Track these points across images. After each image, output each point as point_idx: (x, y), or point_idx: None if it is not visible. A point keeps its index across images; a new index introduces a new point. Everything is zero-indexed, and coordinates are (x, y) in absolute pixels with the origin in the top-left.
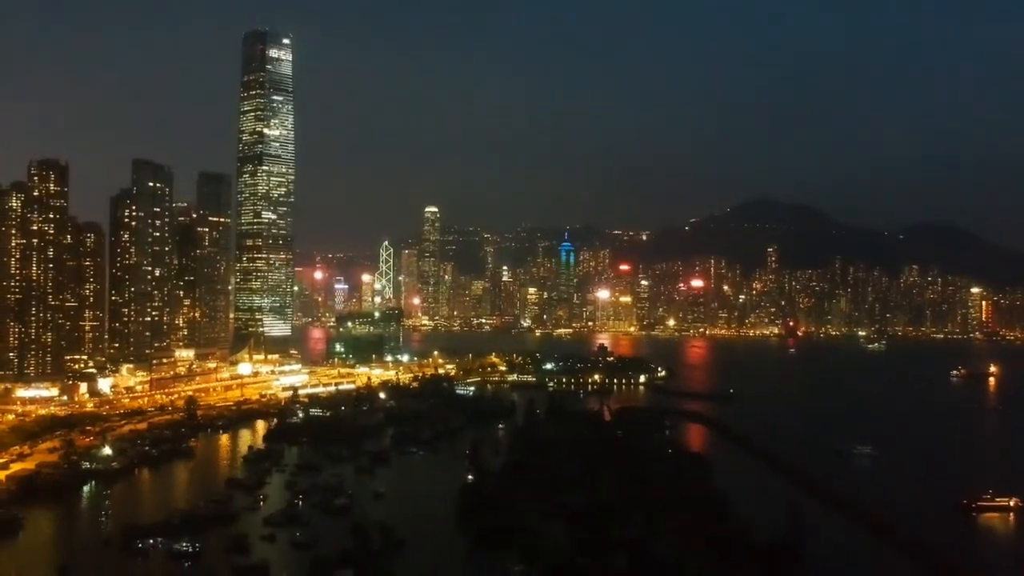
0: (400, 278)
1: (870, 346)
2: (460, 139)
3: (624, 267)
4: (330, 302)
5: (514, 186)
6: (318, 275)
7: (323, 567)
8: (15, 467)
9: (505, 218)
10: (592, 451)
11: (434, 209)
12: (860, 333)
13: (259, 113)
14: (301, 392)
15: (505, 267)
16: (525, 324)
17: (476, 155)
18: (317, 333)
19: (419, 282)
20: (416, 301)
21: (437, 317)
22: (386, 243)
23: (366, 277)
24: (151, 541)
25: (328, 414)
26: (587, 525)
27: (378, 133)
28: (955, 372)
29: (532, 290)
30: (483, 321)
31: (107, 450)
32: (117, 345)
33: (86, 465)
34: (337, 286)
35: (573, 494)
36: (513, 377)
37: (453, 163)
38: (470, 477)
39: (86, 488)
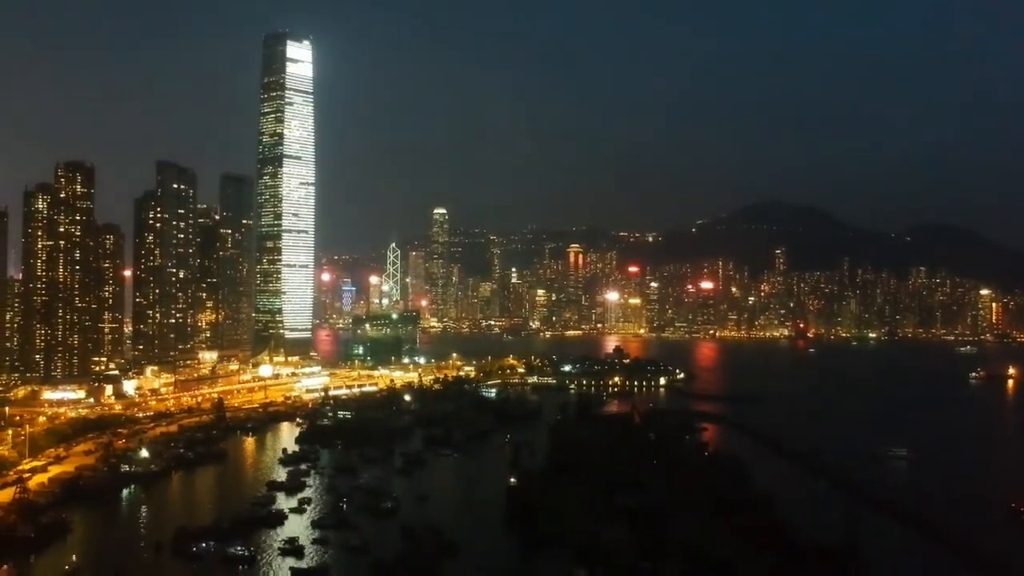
0: (407, 280)
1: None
2: (464, 141)
3: (633, 269)
4: (337, 304)
5: (519, 188)
6: (325, 277)
7: (382, 573)
8: (54, 470)
9: (510, 220)
10: (630, 453)
11: (443, 211)
12: (870, 335)
13: (279, 115)
14: (327, 394)
15: (513, 269)
16: (534, 326)
17: (480, 157)
18: (325, 335)
19: (427, 284)
20: (424, 303)
21: (446, 319)
22: (393, 245)
23: (373, 279)
24: (203, 544)
25: (357, 416)
26: (642, 527)
27: (381, 135)
28: (974, 374)
29: (541, 292)
30: (492, 323)
31: (144, 453)
32: (141, 347)
33: (125, 468)
34: (344, 288)
35: (620, 496)
36: (533, 379)
37: (457, 165)
38: (512, 480)
39: (126, 491)
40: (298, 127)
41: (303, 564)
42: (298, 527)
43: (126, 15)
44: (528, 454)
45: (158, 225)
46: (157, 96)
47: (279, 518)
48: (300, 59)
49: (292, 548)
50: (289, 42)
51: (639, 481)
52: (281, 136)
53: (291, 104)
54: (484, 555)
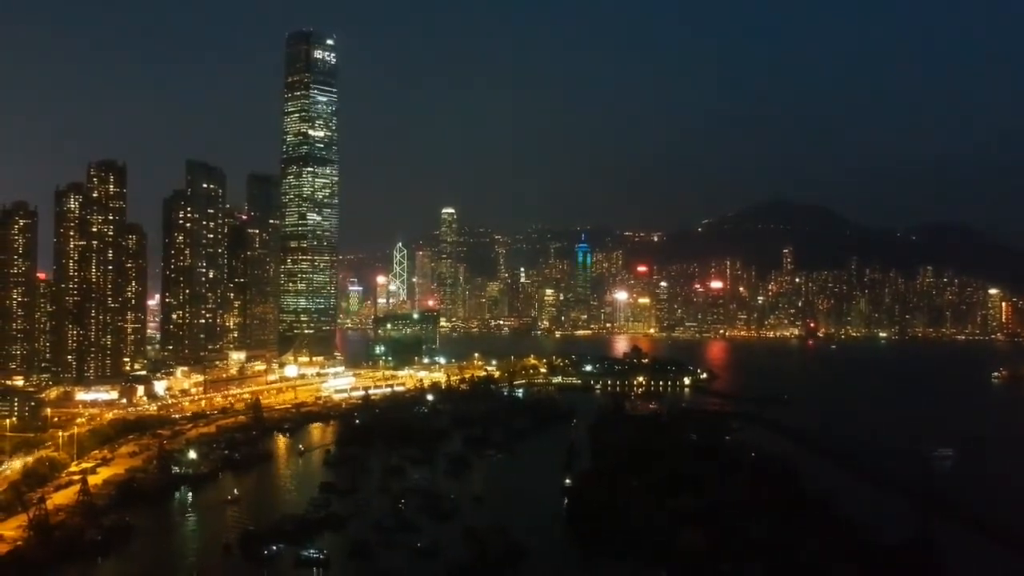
0: (414, 279)
1: None
2: (468, 141)
3: (642, 268)
4: (344, 304)
5: (523, 187)
6: None
7: None
8: (103, 471)
9: (514, 219)
10: (677, 454)
11: (451, 210)
12: (881, 334)
13: (304, 114)
14: (355, 395)
15: (522, 268)
16: (543, 325)
17: (484, 156)
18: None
19: (433, 283)
20: (431, 303)
21: (454, 319)
22: (399, 244)
23: (380, 279)
24: (274, 547)
25: (397, 417)
26: (716, 529)
27: (384, 135)
28: (996, 374)
29: (549, 291)
30: (501, 323)
31: (192, 454)
32: (171, 347)
33: (175, 470)
34: (351, 288)
35: (680, 497)
36: (557, 379)
37: (461, 165)
38: (567, 480)
39: (177, 493)
40: (322, 127)
41: (375, 567)
42: (360, 529)
43: (154, 15)
44: (574, 455)
45: (188, 225)
46: (182, 94)
47: (339, 520)
48: (325, 58)
49: (361, 550)
50: (313, 41)
51: (695, 482)
52: (306, 136)
53: (316, 104)
54: (551, 556)
